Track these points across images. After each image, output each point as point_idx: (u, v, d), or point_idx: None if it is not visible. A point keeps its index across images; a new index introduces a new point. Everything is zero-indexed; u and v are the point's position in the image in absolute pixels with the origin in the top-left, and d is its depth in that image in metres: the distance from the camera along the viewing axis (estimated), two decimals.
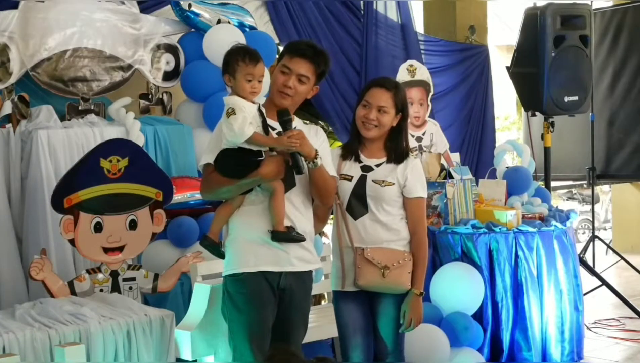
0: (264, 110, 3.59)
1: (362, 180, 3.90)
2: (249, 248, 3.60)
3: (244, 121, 3.47)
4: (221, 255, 3.74)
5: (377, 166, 3.93)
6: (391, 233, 3.88)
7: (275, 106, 3.64)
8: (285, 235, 3.56)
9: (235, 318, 3.61)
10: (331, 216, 4.11)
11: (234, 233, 3.65)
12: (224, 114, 3.53)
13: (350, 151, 3.97)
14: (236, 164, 3.50)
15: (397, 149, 3.93)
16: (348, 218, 3.90)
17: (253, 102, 3.58)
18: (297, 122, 3.70)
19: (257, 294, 3.59)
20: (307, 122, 3.79)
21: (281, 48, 4.61)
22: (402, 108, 3.92)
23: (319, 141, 3.72)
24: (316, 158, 3.56)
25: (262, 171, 3.50)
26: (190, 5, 5.57)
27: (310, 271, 3.75)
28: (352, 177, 3.91)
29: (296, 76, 3.62)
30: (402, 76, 6.24)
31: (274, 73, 3.67)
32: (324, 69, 3.69)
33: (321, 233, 5.16)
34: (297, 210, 3.64)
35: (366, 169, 3.92)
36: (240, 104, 3.50)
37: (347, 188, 3.90)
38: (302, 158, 3.55)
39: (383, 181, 3.88)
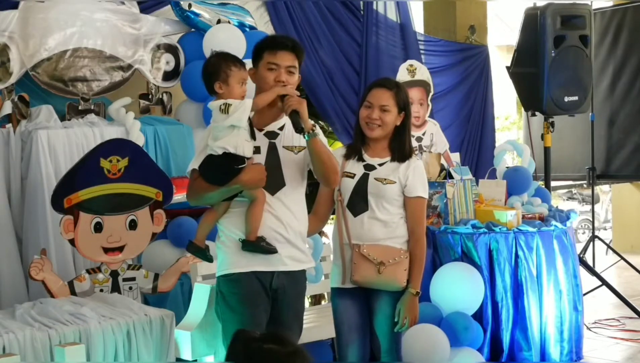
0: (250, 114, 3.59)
1: (364, 178, 3.92)
2: (240, 248, 3.60)
3: (242, 103, 3.49)
4: (209, 259, 3.80)
5: (380, 165, 3.95)
6: (389, 230, 3.90)
7: (268, 106, 3.63)
8: (254, 245, 3.56)
9: (228, 318, 3.61)
10: (331, 216, 4.12)
11: (224, 235, 3.66)
12: (216, 115, 3.51)
13: (353, 151, 4.00)
14: (219, 171, 3.52)
15: (401, 148, 3.96)
16: (348, 215, 3.91)
17: None
18: (286, 118, 3.69)
19: (250, 294, 3.59)
20: None
21: None
22: (404, 107, 3.95)
23: None
24: (314, 128, 3.54)
25: (244, 179, 3.51)
26: (190, 5, 5.57)
27: (303, 271, 3.75)
28: (354, 174, 3.93)
29: (285, 69, 3.62)
30: (402, 76, 6.24)
31: (260, 73, 3.63)
32: (302, 58, 3.71)
33: (321, 233, 5.16)
34: (288, 210, 3.64)
35: (369, 167, 3.94)
36: (231, 100, 3.52)
37: (349, 185, 3.92)
38: (302, 122, 3.52)
39: (385, 179, 3.90)
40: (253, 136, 3.59)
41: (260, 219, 3.57)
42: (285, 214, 3.63)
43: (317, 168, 3.64)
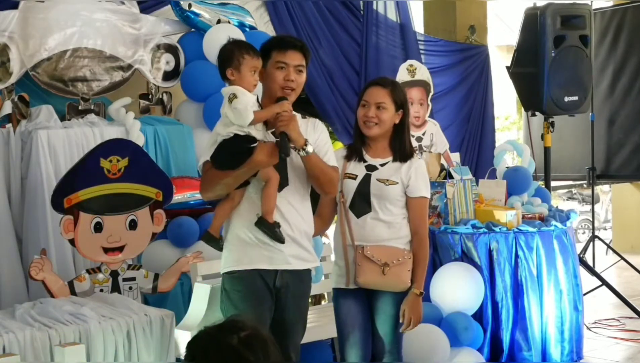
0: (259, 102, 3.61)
1: (366, 179, 3.91)
2: (244, 246, 3.61)
3: (247, 102, 3.51)
4: (220, 249, 3.76)
5: (382, 165, 3.93)
6: (392, 231, 3.89)
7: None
8: (269, 227, 3.56)
9: None
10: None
11: (231, 232, 3.66)
12: (225, 102, 3.53)
13: (354, 152, 3.99)
14: (231, 153, 3.52)
15: (402, 147, 3.95)
16: (351, 216, 3.90)
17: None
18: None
19: (253, 292, 3.59)
20: (306, 116, 3.77)
21: None
22: (402, 105, 3.93)
23: (316, 133, 3.72)
24: (305, 146, 3.55)
25: (256, 158, 3.51)
26: (190, 5, 5.57)
27: (308, 270, 3.75)
28: (356, 176, 3.92)
29: (294, 68, 3.63)
30: (402, 75, 6.25)
31: (268, 72, 3.64)
32: (310, 58, 3.74)
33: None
34: (293, 208, 3.64)
35: (371, 168, 3.93)
36: (242, 90, 3.54)
37: (351, 186, 3.91)
38: (291, 144, 3.54)
39: (387, 180, 3.89)
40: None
41: (275, 199, 3.57)
42: (290, 212, 3.63)
43: (312, 182, 3.69)
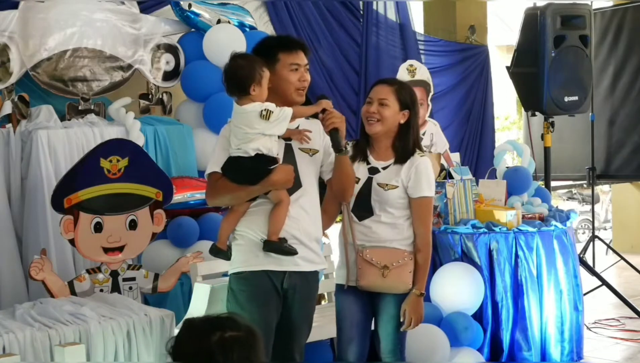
0: None
1: (368, 183, 3.89)
2: (253, 247, 3.61)
3: (279, 109, 3.53)
4: (229, 259, 3.78)
5: (384, 168, 3.91)
6: (395, 232, 3.87)
7: (293, 105, 3.64)
8: (277, 246, 3.58)
9: None
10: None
11: (239, 233, 3.67)
12: (253, 119, 3.51)
13: (359, 151, 3.97)
14: (249, 170, 3.53)
15: (403, 149, 3.90)
16: (353, 218, 3.90)
17: None
18: (300, 119, 3.70)
19: (259, 292, 3.60)
20: (310, 118, 3.77)
21: None
22: (408, 105, 3.89)
23: (326, 137, 3.72)
24: (347, 145, 3.60)
25: (274, 178, 3.53)
26: (190, 5, 5.57)
27: (315, 272, 3.75)
28: (359, 179, 3.90)
29: (304, 68, 3.65)
30: (402, 76, 6.23)
31: (280, 74, 3.62)
32: (309, 58, 3.75)
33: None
34: (303, 211, 3.65)
35: (373, 171, 3.92)
36: (271, 105, 3.55)
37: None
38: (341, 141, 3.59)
39: (386, 185, 3.86)
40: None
41: (284, 221, 3.59)
42: (300, 215, 3.64)
43: (338, 183, 3.71)
